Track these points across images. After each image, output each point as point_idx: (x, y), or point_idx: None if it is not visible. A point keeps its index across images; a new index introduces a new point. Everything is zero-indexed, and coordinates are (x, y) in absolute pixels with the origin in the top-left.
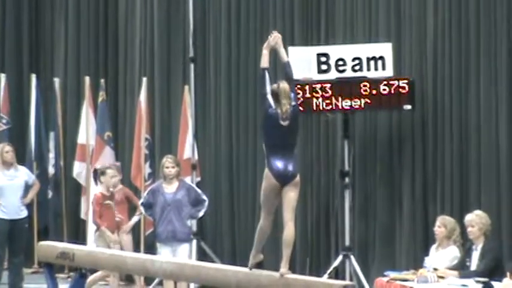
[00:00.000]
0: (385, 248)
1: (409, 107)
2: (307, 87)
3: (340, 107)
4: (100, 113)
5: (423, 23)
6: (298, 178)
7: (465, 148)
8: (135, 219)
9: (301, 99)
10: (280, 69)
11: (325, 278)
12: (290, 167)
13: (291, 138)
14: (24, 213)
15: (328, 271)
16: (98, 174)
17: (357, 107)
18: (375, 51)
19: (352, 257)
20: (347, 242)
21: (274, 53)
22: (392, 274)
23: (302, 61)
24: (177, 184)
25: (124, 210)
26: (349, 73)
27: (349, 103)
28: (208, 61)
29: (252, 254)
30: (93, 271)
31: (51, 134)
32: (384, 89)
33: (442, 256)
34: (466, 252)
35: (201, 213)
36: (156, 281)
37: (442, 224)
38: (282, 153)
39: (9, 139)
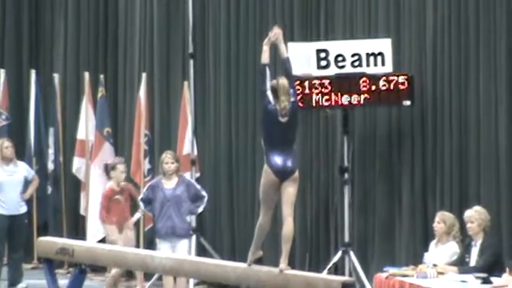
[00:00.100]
0: (384, 244)
1: (408, 102)
2: (306, 83)
3: (339, 103)
4: (99, 109)
5: (422, 19)
6: (297, 174)
7: (464, 144)
8: (137, 215)
9: (301, 95)
10: (280, 65)
11: (324, 274)
12: (289, 163)
13: (290, 134)
14: (23, 209)
15: (328, 267)
16: (108, 169)
17: (356, 102)
18: (374, 47)
19: (351, 252)
20: (346, 238)
21: (274, 49)
22: (392, 270)
23: (301, 57)
24: (176, 180)
25: (127, 207)
26: (348, 69)
27: (348, 99)
28: (207, 57)
29: (251, 250)
30: (93, 267)
31: (51, 130)
32: (383, 85)
33: (441, 252)
34: (466, 248)
35: (200, 209)
36: (156, 276)
37: (442, 219)
38: (281, 149)
39: (8, 135)
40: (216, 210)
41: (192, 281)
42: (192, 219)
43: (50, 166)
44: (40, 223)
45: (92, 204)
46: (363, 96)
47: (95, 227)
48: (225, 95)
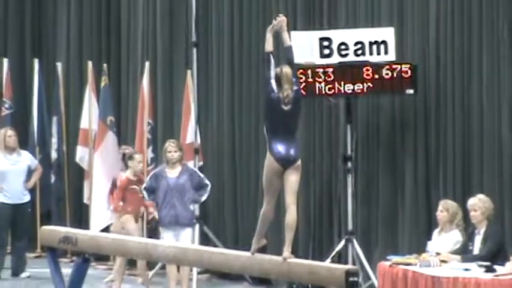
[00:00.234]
0: (387, 233)
1: (411, 91)
2: (309, 72)
3: (342, 92)
4: (103, 98)
5: (426, 7)
6: (299, 162)
7: (467, 132)
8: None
9: (304, 83)
10: (283, 53)
11: (328, 262)
12: (292, 151)
13: (292, 123)
14: (27, 198)
15: (331, 255)
16: (125, 159)
17: (359, 91)
18: (378, 35)
19: (354, 241)
20: (350, 227)
21: (277, 37)
22: (395, 258)
23: (304, 45)
24: (179, 168)
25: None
26: (351, 57)
27: (351, 87)
28: (210, 46)
29: (255, 239)
30: (97, 256)
31: (54, 119)
32: (387, 74)
33: (444, 240)
34: (469, 236)
35: (203, 198)
36: (159, 265)
37: (444, 208)
38: (284, 137)
39: (11, 124)
40: (220, 198)
41: (195, 270)
42: (195, 208)
43: (53, 155)
44: (43, 212)
45: (95, 193)
46: (366, 85)
47: (98, 216)
48: (228, 83)
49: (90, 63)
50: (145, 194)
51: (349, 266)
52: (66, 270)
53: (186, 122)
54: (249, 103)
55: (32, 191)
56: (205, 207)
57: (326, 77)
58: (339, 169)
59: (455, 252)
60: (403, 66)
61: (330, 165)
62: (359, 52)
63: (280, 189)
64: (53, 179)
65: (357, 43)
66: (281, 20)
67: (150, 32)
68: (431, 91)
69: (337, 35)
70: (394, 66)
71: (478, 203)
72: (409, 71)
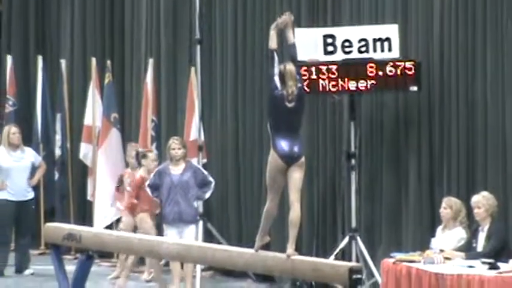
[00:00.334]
0: (391, 230)
1: (415, 88)
2: (313, 69)
3: (346, 89)
4: (106, 95)
5: (429, 4)
6: (303, 159)
7: (471, 129)
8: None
9: (307, 80)
10: (286, 51)
11: (331, 260)
12: (296, 148)
13: (296, 120)
14: (30, 195)
15: (335, 252)
16: (139, 157)
17: (363, 88)
18: (381, 32)
19: (358, 238)
20: (353, 224)
21: (281, 34)
22: (399, 255)
23: (308, 42)
24: (183, 165)
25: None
26: (355, 54)
27: (355, 84)
28: (214, 42)
29: (259, 236)
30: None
31: (58, 116)
32: (390, 71)
33: (448, 237)
34: (473, 233)
35: (207, 195)
36: (163, 262)
37: (448, 205)
38: (288, 134)
39: (15, 121)
40: (223, 195)
41: (199, 267)
42: (199, 205)
43: (57, 152)
44: (47, 209)
45: (99, 190)
46: (369, 82)
47: (102, 213)
48: (232, 80)
49: (93, 60)
50: (148, 190)
51: (353, 263)
52: (70, 267)
53: (190, 119)
54: (253, 100)
55: (35, 188)
56: (209, 204)
57: (330, 74)
58: (342, 166)
59: (459, 249)
60: (406, 63)
61: (334, 162)
62: (363, 49)
63: (284, 186)
64: (56, 176)
65: (360, 40)
66: (286, 18)
67: (154, 28)
68: (435, 88)
69: (341, 32)
70: (398, 63)
71: (482, 200)
72: (413, 68)
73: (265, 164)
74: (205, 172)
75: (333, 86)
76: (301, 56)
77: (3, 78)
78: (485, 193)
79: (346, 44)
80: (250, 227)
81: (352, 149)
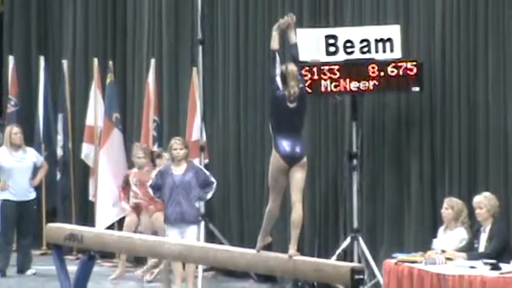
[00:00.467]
0: (393, 230)
1: (417, 89)
2: (315, 69)
3: (348, 89)
4: (108, 95)
5: (431, 5)
6: (305, 159)
7: (473, 129)
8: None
9: (309, 81)
10: (288, 51)
11: (333, 260)
12: (298, 149)
13: (298, 120)
14: (32, 195)
15: (337, 253)
16: (154, 157)
17: (365, 89)
18: (383, 33)
19: (360, 239)
20: (355, 224)
21: (283, 34)
22: (401, 256)
23: (310, 43)
24: (185, 166)
25: (148, 193)
26: (357, 55)
27: (357, 85)
28: (216, 43)
29: (260, 236)
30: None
31: (60, 116)
32: (392, 71)
33: (450, 238)
34: (474, 234)
35: (209, 195)
36: (165, 262)
37: (449, 205)
38: (290, 134)
39: (17, 121)
40: (225, 196)
41: (200, 267)
42: (201, 205)
43: (59, 152)
44: (49, 209)
45: (100, 190)
46: (371, 83)
47: (103, 213)
48: (234, 80)
49: (95, 61)
50: (151, 191)
51: (355, 264)
52: (72, 268)
53: (192, 120)
54: (255, 100)
55: (37, 188)
56: (210, 204)
57: (332, 75)
58: (344, 166)
59: (460, 249)
60: (408, 63)
61: (336, 163)
62: (365, 50)
63: (286, 186)
64: (58, 176)
65: (362, 41)
66: (288, 19)
67: (156, 29)
68: (436, 89)
69: (343, 33)
70: (399, 64)
71: (484, 201)
72: (415, 69)
73: (267, 164)
74: (207, 172)
75: (335, 86)
76: (303, 57)
77: (5, 78)
78: (487, 193)
79: (348, 44)
80: (252, 227)
81: (354, 149)
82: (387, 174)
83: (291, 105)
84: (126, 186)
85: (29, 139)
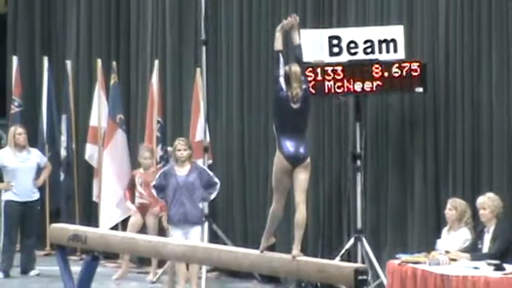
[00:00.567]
0: (396, 231)
1: (420, 89)
2: (318, 70)
3: (351, 90)
4: (112, 96)
5: (435, 5)
6: (309, 160)
7: (477, 130)
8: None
9: (313, 81)
10: (292, 52)
11: (337, 261)
12: (301, 149)
13: (301, 121)
14: (36, 196)
15: (340, 254)
16: (169, 156)
17: (368, 89)
18: (387, 33)
19: (364, 239)
20: (359, 225)
21: (286, 35)
22: (404, 257)
23: (314, 44)
24: (189, 167)
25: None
26: (360, 56)
27: (360, 86)
28: (220, 43)
29: (264, 237)
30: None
31: (63, 117)
32: (396, 72)
33: (453, 238)
34: (478, 234)
35: (212, 196)
36: (168, 263)
37: (453, 206)
38: (293, 135)
39: (21, 121)
40: (229, 196)
41: (204, 268)
42: (204, 206)
43: (63, 153)
44: (53, 210)
45: (104, 191)
46: (375, 83)
47: (107, 214)
48: (238, 81)
49: (99, 61)
50: (154, 192)
51: (358, 265)
52: (76, 268)
53: (195, 120)
54: (258, 101)
55: (41, 188)
56: (214, 205)
57: (335, 75)
58: (348, 167)
59: (464, 250)
60: (412, 64)
61: (339, 164)
62: (368, 50)
63: (290, 187)
64: (62, 176)
65: (366, 41)
66: (292, 20)
67: (160, 30)
68: (440, 89)
69: (347, 33)
70: (403, 65)
71: (487, 201)
72: (419, 69)
73: (271, 165)
74: (211, 173)
75: (339, 87)
76: (307, 57)
77: (9, 79)
78: (490, 194)
79: (352, 45)
80: (256, 228)
81: (358, 150)
82: (391, 175)
83: (295, 106)
84: (131, 186)
85: (33, 140)
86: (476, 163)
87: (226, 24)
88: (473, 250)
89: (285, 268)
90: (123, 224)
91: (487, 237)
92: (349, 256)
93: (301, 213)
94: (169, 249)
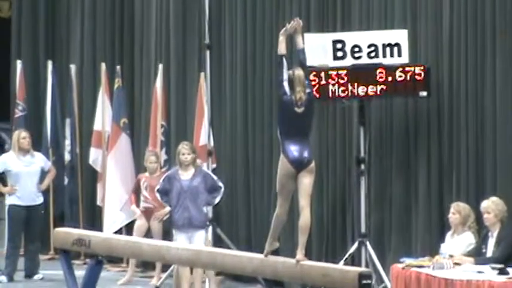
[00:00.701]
0: (401, 235)
1: (424, 93)
2: (322, 74)
3: (355, 94)
4: (116, 100)
5: (439, 10)
6: (313, 164)
7: (481, 134)
8: (168, 209)
9: (317, 86)
10: (296, 56)
11: (341, 265)
12: (306, 154)
13: (306, 125)
14: (40, 200)
15: (344, 258)
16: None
17: (372, 93)
18: (391, 37)
19: (368, 243)
20: (363, 229)
21: (291, 39)
22: (408, 261)
23: (318, 48)
24: (193, 171)
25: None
26: (364, 60)
27: (364, 90)
28: (224, 48)
29: (268, 241)
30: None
31: (67, 121)
32: (400, 76)
33: (457, 243)
34: (482, 239)
35: (217, 200)
36: (172, 267)
37: (456, 210)
38: (297, 139)
39: (25, 125)
40: (233, 201)
41: (211, 272)
42: (208, 210)
43: (67, 157)
44: (57, 214)
45: (108, 195)
46: (379, 87)
47: (111, 218)
48: (242, 85)
49: (103, 65)
50: (158, 196)
51: (362, 269)
52: (79, 273)
53: (199, 124)
54: (262, 105)
55: (45, 192)
56: (218, 209)
57: (339, 80)
58: (352, 171)
59: (468, 254)
60: (416, 68)
61: (343, 168)
62: (372, 54)
63: (294, 191)
64: (66, 180)
65: (370, 45)
66: (295, 24)
67: (164, 34)
68: (444, 93)
69: (351, 38)
70: (407, 69)
71: (491, 206)
72: (423, 74)
73: (275, 169)
74: (215, 177)
75: (343, 91)
76: (311, 61)
77: (13, 83)
78: (494, 198)
79: (356, 49)
80: (260, 232)
81: (362, 154)
82: (395, 179)
83: (299, 110)
84: (137, 190)
85: (37, 144)
86: (480, 167)
87: (230, 29)
88: (477, 254)
89: (289, 272)
90: (128, 228)
91: (491, 242)
92: (353, 260)
93: (305, 218)
94: (173, 253)
